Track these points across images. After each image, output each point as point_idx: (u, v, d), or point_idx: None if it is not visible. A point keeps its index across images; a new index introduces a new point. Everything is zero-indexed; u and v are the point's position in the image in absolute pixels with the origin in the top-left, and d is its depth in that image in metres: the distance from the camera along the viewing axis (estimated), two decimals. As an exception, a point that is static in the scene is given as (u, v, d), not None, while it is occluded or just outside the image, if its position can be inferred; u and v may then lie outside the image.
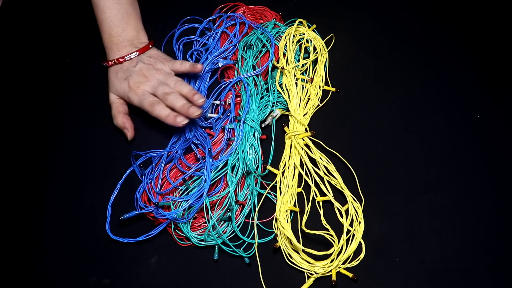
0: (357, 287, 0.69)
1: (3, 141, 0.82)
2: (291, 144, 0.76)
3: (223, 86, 0.81)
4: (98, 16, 0.81)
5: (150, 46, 0.82)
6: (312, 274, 0.69)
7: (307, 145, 0.76)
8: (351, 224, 0.71)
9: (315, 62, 0.84)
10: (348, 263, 0.70)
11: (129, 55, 0.79)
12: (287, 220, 0.72)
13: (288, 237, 0.69)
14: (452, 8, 0.89)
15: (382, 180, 0.75)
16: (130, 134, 0.79)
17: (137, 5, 0.84)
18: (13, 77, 0.87)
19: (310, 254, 0.69)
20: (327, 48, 0.85)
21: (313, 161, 0.75)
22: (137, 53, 0.80)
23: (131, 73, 0.78)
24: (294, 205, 0.73)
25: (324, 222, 0.72)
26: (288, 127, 0.78)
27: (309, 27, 0.85)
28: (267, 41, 0.82)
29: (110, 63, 0.80)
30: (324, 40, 0.85)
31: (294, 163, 0.75)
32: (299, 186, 0.74)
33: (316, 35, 0.84)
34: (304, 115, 0.79)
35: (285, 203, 0.72)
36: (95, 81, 0.85)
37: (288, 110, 0.79)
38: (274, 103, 0.80)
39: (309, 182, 0.74)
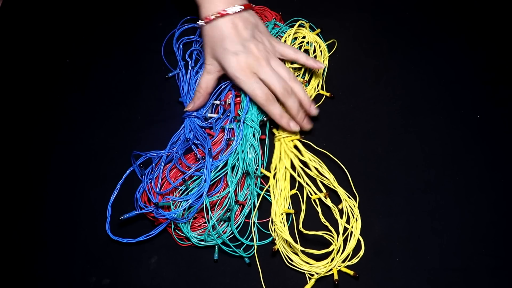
0: (357, 286, 0.69)
1: (3, 141, 0.82)
2: (280, 147, 0.76)
3: (223, 86, 0.81)
4: None
5: (251, 6, 0.75)
6: (312, 275, 0.69)
7: (297, 147, 0.76)
8: (348, 222, 0.71)
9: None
10: (348, 261, 0.70)
11: (232, 9, 0.71)
12: (283, 223, 0.72)
13: (286, 240, 0.70)
14: (452, 8, 0.89)
15: (382, 180, 0.75)
16: (191, 107, 0.76)
17: None
18: (13, 77, 0.87)
19: (309, 254, 0.69)
20: (328, 53, 0.85)
21: (304, 162, 0.75)
22: (242, 7, 0.72)
23: (242, 49, 0.71)
24: (289, 207, 0.73)
25: (323, 219, 0.72)
26: (277, 129, 0.78)
27: (312, 29, 0.85)
28: (267, 41, 0.82)
29: (208, 18, 0.71)
30: (326, 43, 0.85)
31: (285, 166, 0.75)
32: (292, 187, 0.74)
33: (318, 39, 0.84)
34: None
35: (279, 206, 0.72)
36: (95, 81, 0.85)
37: None
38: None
39: (302, 182, 0.74)
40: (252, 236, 0.72)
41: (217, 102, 0.81)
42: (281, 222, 0.71)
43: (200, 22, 0.73)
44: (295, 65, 0.81)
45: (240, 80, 0.73)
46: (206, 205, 0.71)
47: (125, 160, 0.77)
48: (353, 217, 0.72)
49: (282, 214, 0.72)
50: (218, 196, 0.73)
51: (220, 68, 0.75)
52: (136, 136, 0.81)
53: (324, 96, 0.82)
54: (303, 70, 0.82)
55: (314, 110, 0.76)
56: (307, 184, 0.74)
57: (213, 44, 0.73)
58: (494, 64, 0.84)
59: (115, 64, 0.86)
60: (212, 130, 0.78)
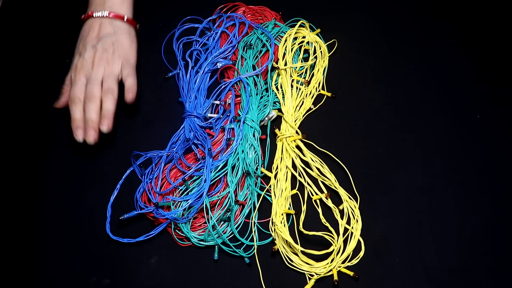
0: (357, 287, 0.69)
1: (3, 141, 0.82)
2: (282, 147, 0.76)
3: (223, 86, 0.81)
4: None
5: (125, 21, 0.81)
6: (312, 276, 0.69)
7: (298, 147, 0.76)
8: (348, 223, 0.71)
9: (314, 64, 0.84)
10: (348, 261, 0.70)
11: (98, 13, 0.79)
12: (284, 224, 0.71)
13: (286, 240, 0.70)
14: (451, 8, 0.89)
15: (382, 180, 0.75)
16: (57, 104, 0.79)
17: None
18: (13, 77, 0.87)
19: (309, 255, 0.69)
20: (328, 53, 0.85)
21: (305, 162, 0.75)
22: (107, 13, 0.79)
23: (86, 51, 0.78)
24: (289, 208, 0.73)
25: (323, 220, 0.72)
26: (279, 129, 0.78)
27: (312, 30, 0.86)
28: (267, 41, 0.82)
29: (83, 16, 0.80)
30: (326, 44, 0.85)
31: (287, 166, 0.75)
32: (293, 188, 0.74)
33: (318, 39, 0.84)
34: (296, 118, 0.79)
35: (279, 206, 0.72)
36: (95, 81, 0.85)
37: (281, 111, 0.79)
38: (273, 103, 0.80)
39: (303, 182, 0.74)
40: (252, 236, 0.72)
41: (217, 102, 0.81)
42: (281, 222, 0.71)
43: (82, 16, 0.81)
44: (297, 65, 0.81)
45: (69, 75, 0.78)
46: (206, 205, 0.71)
47: (125, 160, 0.77)
48: (354, 218, 0.72)
49: (282, 214, 0.72)
50: (218, 196, 0.73)
51: None
52: (136, 136, 0.81)
53: (325, 96, 0.82)
54: (304, 70, 0.82)
55: (105, 127, 0.74)
56: (308, 184, 0.74)
57: (77, 44, 0.81)
58: (494, 64, 0.84)
59: (115, 64, 0.86)
60: (212, 130, 0.78)
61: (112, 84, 0.77)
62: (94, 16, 0.79)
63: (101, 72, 0.77)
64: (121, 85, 0.79)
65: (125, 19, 0.81)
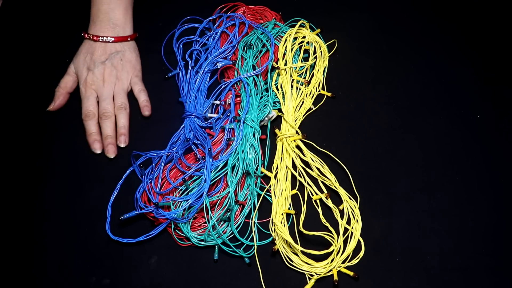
0: (357, 287, 0.69)
1: (2, 141, 0.82)
2: (282, 147, 0.76)
3: (223, 86, 0.81)
4: None
5: (129, 39, 0.83)
6: (312, 276, 0.69)
7: (298, 147, 0.76)
8: (348, 223, 0.71)
9: (314, 64, 0.84)
10: (348, 261, 0.70)
11: (104, 38, 0.81)
12: (284, 224, 0.71)
13: (286, 240, 0.70)
14: (451, 8, 0.90)
15: (382, 180, 0.75)
16: (52, 108, 0.81)
17: None
18: (13, 77, 0.87)
19: (309, 255, 0.69)
20: (328, 53, 0.85)
21: (305, 162, 0.75)
22: (113, 39, 0.81)
23: (95, 67, 0.81)
24: (289, 208, 0.73)
25: (323, 220, 0.72)
26: (279, 129, 0.78)
27: (312, 30, 0.86)
28: (267, 41, 0.82)
29: (87, 36, 0.82)
30: (326, 44, 0.85)
31: (287, 166, 0.75)
32: (293, 187, 0.74)
33: (318, 39, 0.84)
34: (296, 118, 0.79)
35: (279, 206, 0.72)
36: (95, 81, 0.85)
37: (281, 111, 0.79)
38: (273, 103, 0.80)
39: (303, 182, 0.74)
40: (252, 236, 0.72)
41: (217, 102, 0.81)
42: (281, 222, 0.71)
43: (84, 34, 0.83)
44: (297, 65, 0.81)
45: (81, 91, 0.81)
46: (206, 205, 0.71)
47: (125, 160, 0.77)
48: (354, 218, 0.72)
49: (282, 214, 0.72)
50: (218, 196, 0.73)
51: (75, 76, 0.83)
52: (136, 136, 0.81)
53: (325, 96, 0.82)
54: (304, 70, 0.82)
55: (123, 143, 0.79)
56: (308, 184, 0.74)
57: (81, 55, 0.82)
58: (494, 64, 0.84)
59: (115, 64, 0.86)
60: (212, 130, 0.78)
61: (123, 100, 0.81)
62: (99, 41, 0.81)
63: (112, 88, 0.81)
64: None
65: (129, 39, 0.84)
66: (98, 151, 0.78)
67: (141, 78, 0.84)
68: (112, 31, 0.82)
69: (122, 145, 0.79)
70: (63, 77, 0.83)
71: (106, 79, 0.81)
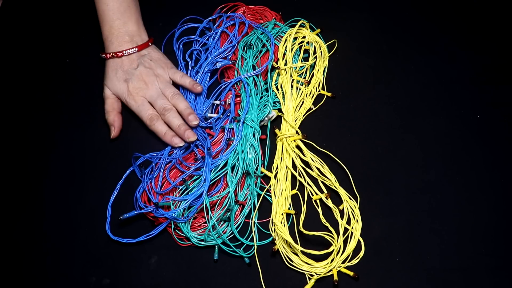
0: (357, 287, 0.69)
1: (3, 141, 0.82)
2: (282, 147, 0.76)
3: (223, 86, 0.81)
4: (99, 7, 0.81)
5: (150, 44, 0.83)
6: (312, 276, 0.69)
7: (299, 147, 0.76)
8: (348, 223, 0.71)
9: (314, 64, 0.84)
10: (348, 261, 0.70)
11: (128, 51, 0.80)
12: (284, 224, 0.71)
13: (286, 240, 0.70)
14: (451, 8, 0.90)
15: (382, 180, 0.75)
16: (115, 133, 0.80)
17: (137, 0, 0.84)
18: (13, 77, 0.87)
19: (309, 255, 0.69)
20: (328, 53, 0.85)
21: (305, 162, 0.75)
22: (136, 49, 0.80)
23: (131, 76, 0.79)
24: (289, 208, 0.73)
25: (323, 220, 0.72)
26: (279, 129, 0.78)
27: (313, 30, 0.86)
28: (267, 41, 0.82)
29: (108, 55, 0.80)
30: (326, 44, 0.85)
31: (287, 166, 0.75)
32: (293, 187, 0.74)
33: (318, 39, 0.84)
34: (296, 118, 0.79)
35: (279, 206, 0.72)
36: (95, 81, 0.85)
37: (281, 111, 0.79)
38: (273, 103, 0.80)
39: (303, 182, 0.74)
40: (252, 236, 0.72)
41: (217, 102, 0.81)
42: (281, 222, 0.71)
43: (102, 56, 0.81)
44: (297, 65, 0.81)
45: (130, 104, 0.79)
46: (206, 205, 0.71)
47: (125, 160, 0.77)
48: (354, 218, 0.72)
49: (282, 214, 0.72)
50: (218, 196, 0.73)
51: (115, 95, 0.81)
52: (136, 136, 0.81)
53: (325, 96, 0.82)
54: (304, 70, 0.82)
55: (195, 122, 0.77)
56: (308, 184, 0.74)
57: (110, 74, 0.81)
58: (494, 64, 0.84)
59: (115, 64, 0.86)
60: (212, 130, 0.78)
61: (172, 89, 0.80)
62: (124, 55, 0.80)
63: (157, 86, 0.80)
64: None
65: (149, 44, 0.83)
66: (181, 144, 0.76)
67: (176, 68, 0.83)
68: (131, 42, 0.81)
69: (195, 123, 0.77)
70: (105, 104, 0.81)
71: (147, 81, 0.79)
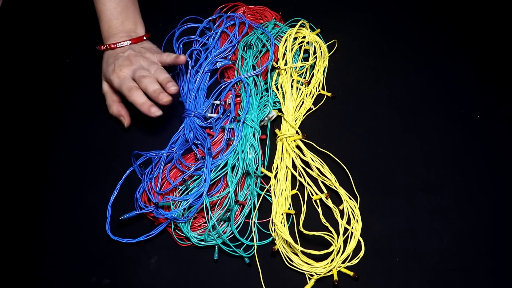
0: (357, 287, 0.69)
1: (3, 141, 0.82)
2: (282, 147, 0.76)
3: (223, 86, 0.81)
4: (98, 7, 0.82)
5: (144, 38, 0.83)
6: (312, 276, 0.69)
7: (299, 147, 0.76)
8: (348, 223, 0.71)
9: (314, 64, 0.84)
10: (348, 261, 0.70)
11: (121, 43, 0.81)
12: (284, 224, 0.71)
13: (286, 240, 0.69)
14: (451, 8, 0.90)
15: (382, 180, 0.75)
16: (127, 121, 0.80)
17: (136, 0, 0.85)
18: (13, 77, 0.87)
19: (309, 255, 0.69)
20: (328, 53, 0.85)
21: (305, 162, 0.75)
22: (129, 41, 0.81)
23: (118, 58, 0.79)
24: (289, 208, 0.73)
25: (323, 220, 0.72)
26: (279, 129, 0.78)
27: (312, 30, 0.86)
28: (267, 41, 0.82)
29: (103, 47, 0.81)
30: (326, 44, 0.85)
31: (287, 166, 0.75)
32: (293, 187, 0.74)
33: (318, 39, 0.84)
34: (296, 118, 0.79)
35: (280, 206, 0.72)
36: (95, 81, 0.85)
37: (281, 111, 0.79)
38: (273, 103, 0.80)
39: (303, 182, 0.74)
40: (252, 236, 0.72)
41: (217, 102, 0.81)
42: (281, 222, 0.71)
43: (97, 48, 0.82)
44: (297, 65, 0.81)
45: (113, 81, 0.78)
46: (206, 205, 0.71)
47: (125, 160, 0.77)
48: (354, 218, 0.72)
49: (282, 214, 0.72)
50: (218, 196, 0.73)
51: (109, 84, 0.80)
52: (136, 136, 0.81)
53: (325, 96, 0.82)
54: (304, 70, 0.82)
55: (171, 87, 0.75)
56: (308, 184, 0.74)
57: (103, 66, 0.81)
58: (494, 64, 0.84)
59: (115, 64, 0.86)
60: (212, 130, 0.78)
61: (155, 66, 0.78)
62: (117, 47, 0.80)
63: (141, 63, 0.79)
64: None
65: (144, 38, 0.83)
66: (158, 113, 0.74)
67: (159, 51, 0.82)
68: (126, 37, 0.81)
69: (172, 89, 0.75)
70: (105, 100, 0.81)
71: (132, 60, 0.79)
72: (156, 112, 0.74)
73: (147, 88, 0.75)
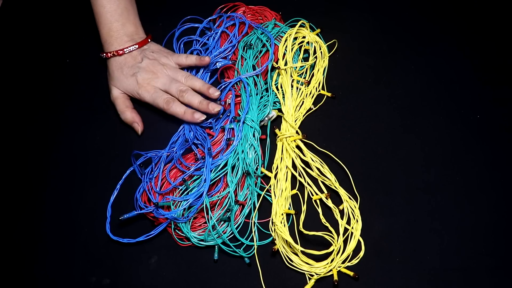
0: (357, 287, 0.69)
1: (3, 141, 0.82)
2: (282, 147, 0.76)
3: (223, 86, 0.81)
4: (97, 10, 0.81)
5: (149, 40, 0.83)
6: (312, 276, 0.69)
7: (299, 147, 0.76)
8: (348, 223, 0.71)
9: (314, 64, 0.84)
10: (348, 261, 0.70)
11: (129, 48, 0.80)
12: (284, 224, 0.71)
13: (286, 240, 0.70)
14: (451, 8, 0.90)
15: (382, 180, 0.75)
16: (141, 128, 0.80)
17: (134, 1, 0.84)
18: (13, 77, 0.87)
19: (309, 255, 0.69)
20: (328, 53, 0.85)
21: (305, 162, 0.75)
22: (137, 46, 0.80)
23: (138, 70, 0.79)
24: (289, 208, 0.73)
25: (323, 220, 0.72)
26: (279, 129, 0.78)
27: (312, 30, 0.86)
28: (267, 41, 0.82)
29: (109, 54, 0.80)
30: (326, 44, 0.85)
31: (287, 166, 0.75)
32: (293, 188, 0.74)
33: (318, 39, 0.84)
34: (296, 118, 0.79)
35: (280, 206, 0.72)
36: (95, 81, 0.85)
37: (282, 111, 0.79)
38: (273, 103, 0.80)
39: (303, 182, 0.74)
40: (252, 236, 0.72)
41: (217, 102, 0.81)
42: (281, 222, 0.71)
43: (103, 55, 0.81)
44: (297, 65, 0.81)
45: (143, 96, 0.79)
46: (206, 205, 0.71)
47: (125, 160, 0.77)
48: (354, 218, 0.72)
49: (282, 214, 0.72)
50: (218, 196, 0.73)
51: (124, 92, 0.81)
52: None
53: (325, 96, 0.82)
54: (304, 70, 0.82)
55: (215, 92, 0.77)
56: (308, 184, 0.74)
57: (115, 73, 0.80)
58: (494, 64, 0.84)
59: (115, 64, 0.86)
60: (212, 130, 0.78)
61: (183, 72, 0.80)
62: (125, 52, 0.80)
63: (166, 73, 0.79)
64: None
65: (149, 40, 0.83)
66: (203, 118, 0.76)
67: (174, 53, 0.83)
68: (130, 41, 0.81)
69: (217, 94, 0.77)
70: (116, 106, 0.80)
71: (155, 70, 0.79)
72: (200, 117, 0.76)
73: (191, 102, 0.77)
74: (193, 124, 0.78)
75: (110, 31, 0.81)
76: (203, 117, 0.76)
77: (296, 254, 0.70)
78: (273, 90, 0.80)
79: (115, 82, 0.80)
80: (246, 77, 0.80)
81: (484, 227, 0.72)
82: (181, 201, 0.72)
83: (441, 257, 0.70)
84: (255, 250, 0.71)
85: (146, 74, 0.79)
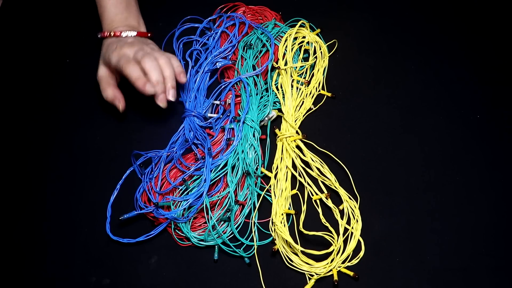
0: (357, 287, 0.69)
1: (3, 141, 0.82)
2: (282, 147, 0.76)
3: (223, 86, 0.81)
4: (101, 2, 0.81)
5: (149, 35, 0.82)
6: (312, 276, 0.69)
7: (299, 147, 0.76)
8: (348, 223, 0.71)
9: (314, 64, 0.84)
10: (348, 261, 0.70)
11: (126, 33, 0.79)
12: (284, 224, 0.71)
13: (286, 240, 0.70)
14: (451, 8, 0.90)
15: (382, 180, 0.75)
16: (122, 105, 0.78)
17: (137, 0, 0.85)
18: (13, 77, 0.87)
19: (309, 255, 0.69)
20: (328, 53, 0.85)
21: (305, 162, 0.75)
22: (135, 33, 0.79)
23: (123, 43, 0.77)
24: (289, 208, 0.73)
25: (323, 220, 0.72)
26: (279, 129, 0.78)
27: (312, 30, 0.86)
28: (267, 41, 0.83)
29: (106, 33, 0.79)
30: (326, 44, 0.85)
31: (287, 166, 0.75)
32: (293, 188, 0.74)
33: (318, 39, 0.84)
34: (296, 118, 0.79)
35: (280, 206, 0.72)
36: (95, 81, 0.85)
37: (282, 111, 0.79)
38: (273, 103, 0.80)
39: (303, 182, 0.74)
40: (252, 236, 0.72)
41: (217, 102, 0.81)
42: (281, 222, 0.71)
43: (99, 35, 0.80)
44: (297, 65, 0.81)
45: (113, 59, 0.76)
46: (206, 205, 0.71)
47: (125, 160, 0.77)
48: (354, 218, 0.72)
49: (282, 214, 0.72)
50: (218, 196, 0.73)
51: (107, 67, 0.78)
52: (136, 136, 0.81)
53: (325, 96, 0.82)
54: (304, 70, 0.82)
55: (183, 78, 0.75)
56: (308, 184, 0.74)
57: (103, 50, 0.79)
58: (494, 64, 0.84)
59: (115, 64, 0.86)
60: (212, 130, 0.78)
61: (162, 53, 0.76)
62: (122, 36, 0.78)
63: (145, 48, 0.76)
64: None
65: (148, 35, 0.82)
66: (151, 90, 0.72)
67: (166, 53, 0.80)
68: (132, 31, 0.80)
69: (184, 80, 0.75)
70: (100, 86, 0.78)
71: (136, 44, 0.77)
72: (150, 89, 0.72)
73: (149, 69, 0.73)
74: (190, 126, 0.78)
75: (112, 22, 0.80)
76: (152, 89, 0.72)
77: (296, 254, 0.70)
78: (273, 90, 0.80)
79: (101, 58, 0.79)
80: (246, 77, 0.80)
81: (484, 227, 0.72)
82: (181, 201, 0.72)
83: (441, 257, 0.70)
84: (255, 250, 0.71)
85: (126, 44, 0.76)
